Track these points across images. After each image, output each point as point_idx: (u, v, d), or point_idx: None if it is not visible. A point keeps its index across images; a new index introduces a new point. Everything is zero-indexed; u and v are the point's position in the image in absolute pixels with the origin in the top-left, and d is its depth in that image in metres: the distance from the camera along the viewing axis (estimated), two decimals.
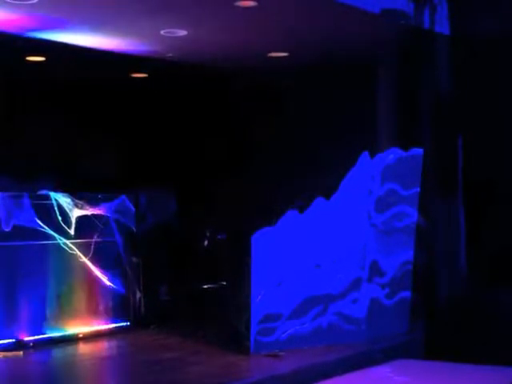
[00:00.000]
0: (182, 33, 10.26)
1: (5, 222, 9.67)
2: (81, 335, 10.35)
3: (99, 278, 10.64)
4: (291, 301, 9.46)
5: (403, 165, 10.27)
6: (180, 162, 12.40)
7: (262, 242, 9.21)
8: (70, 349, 9.95)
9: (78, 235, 10.38)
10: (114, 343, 10.41)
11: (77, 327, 10.36)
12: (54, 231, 10.14)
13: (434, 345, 10.36)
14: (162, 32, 10.20)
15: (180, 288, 11.60)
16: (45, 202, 10.15)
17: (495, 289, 10.88)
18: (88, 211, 10.54)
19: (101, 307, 10.72)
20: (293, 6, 9.47)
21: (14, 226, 9.74)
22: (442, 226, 11.12)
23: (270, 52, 11.42)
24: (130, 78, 12.41)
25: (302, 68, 11.99)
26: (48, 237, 10.10)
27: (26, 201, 9.90)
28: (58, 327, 10.18)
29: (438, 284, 10.97)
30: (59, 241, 10.20)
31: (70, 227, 10.31)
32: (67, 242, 10.26)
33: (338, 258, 9.72)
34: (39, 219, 9.97)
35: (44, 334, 10.00)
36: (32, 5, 8.94)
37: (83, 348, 10.09)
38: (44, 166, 11.00)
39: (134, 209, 11.10)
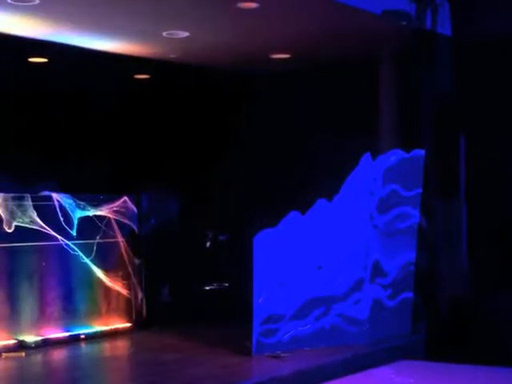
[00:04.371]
0: (184, 34, 10.27)
1: (7, 223, 9.68)
2: (82, 336, 10.35)
3: (101, 279, 10.65)
4: (293, 302, 9.46)
5: (405, 166, 10.28)
6: (182, 162, 12.39)
7: (264, 243, 9.22)
8: (71, 349, 9.96)
9: (80, 236, 10.39)
10: (116, 344, 10.42)
11: (79, 328, 10.37)
12: (56, 232, 10.15)
13: (436, 346, 10.37)
14: (164, 34, 10.21)
15: (182, 289, 11.60)
16: (47, 203, 10.16)
17: (497, 290, 10.88)
18: (90, 212, 10.55)
19: (103, 308, 10.72)
20: (294, 8, 9.47)
21: (16, 227, 9.75)
22: (444, 227, 11.12)
23: (271, 53, 11.43)
24: (132, 80, 12.41)
25: (304, 69, 12.00)
26: (50, 238, 10.11)
27: (28, 202, 9.90)
28: (60, 328, 10.18)
29: (440, 285, 10.97)
30: (61, 242, 10.21)
31: (72, 228, 10.31)
32: (69, 242, 10.27)
33: (340, 259, 9.72)
34: (41, 220, 9.98)
35: (46, 334, 10.01)
36: (33, 6, 8.95)
37: (85, 349, 10.10)
38: (46, 167, 10.99)
39: (136, 210, 11.11)
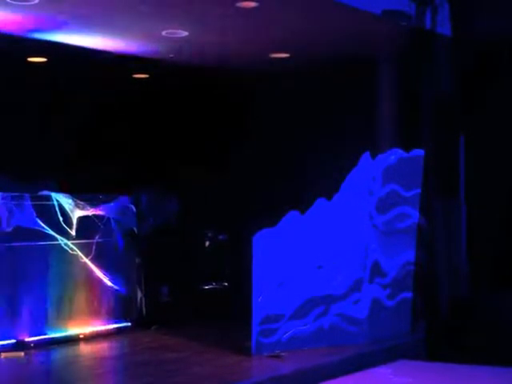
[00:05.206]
0: (184, 34, 10.27)
1: (6, 222, 9.67)
2: (82, 336, 10.35)
3: (100, 279, 10.64)
4: (293, 302, 9.45)
5: (404, 165, 10.28)
6: (181, 162, 12.40)
7: (264, 242, 9.21)
8: (71, 349, 9.95)
9: (79, 236, 10.38)
10: (115, 344, 10.41)
11: (78, 328, 10.37)
12: (55, 232, 10.14)
13: (436, 346, 10.36)
14: (163, 33, 10.21)
15: (181, 288, 11.60)
16: (46, 202, 10.16)
17: (496, 289, 10.88)
18: (89, 212, 10.55)
19: (102, 308, 10.72)
20: (294, 7, 9.47)
21: (16, 227, 9.74)
22: (444, 226, 11.12)
23: (271, 53, 11.42)
24: (131, 79, 12.41)
25: (303, 69, 11.99)
26: (49, 237, 10.10)
27: (27, 201, 9.90)
28: (60, 328, 10.18)
29: (440, 285, 10.97)
30: (60, 241, 10.20)
31: (71, 228, 10.31)
32: (68, 242, 10.27)
33: (340, 258, 9.72)
34: (40, 220, 9.97)
35: (45, 334, 10.00)
36: (33, 6, 8.95)
37: (84, 349, 10.10)
38: (45, 167, 11.00)
39: (135, 209, 11.10)
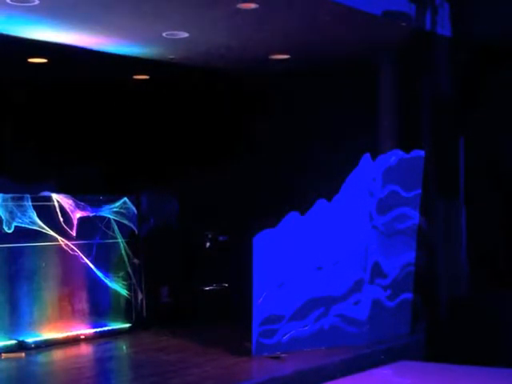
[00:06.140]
0: (184, 35, 10.27)
1: (7, 223, 9.68)
2: (82, 336, 10.36)
3: (101, 280, 10.65)
4: (293, 303, 9.46)
5: (405, 167, 10.28)
6: (181, 163, 12.39)
7: (264, 243, 9.22)
8: (71, 350, 9.96)
9: (79, 237, 10.39)
10: (115, 345, 10.42)
11: (78, 328, 10.37)
12: (56, 233, 10.15)
13: (436, 346, 10.37)
14: (163, 34, 10.21)
15: (181, 290, 11.61)
16: (46, 203, 10.17)
17: (497, 290, 10.88)
18: (90, 213, 10.55)
19: (103, 308, 10.73)
20: (294, 8, 9.47)
21: (16, 228, 9.75)
22: (444, 227, 11.12)
23: (271, 54, 11.43)
24: (131, 80, 12.41)
25: (304, 70, 11.99)
26: (50, 238, 10.10)
27: (28, 202, 9.91)
28: (60, 328, 10.18)
29: (440, 285, 10.97)
30: (61, 242, 10.20)
31: (71, 229, 10.31)
32: (69, 243, 10.27)
33: (340, 259, 9.72)
34: (41, 221, 9.98)
35: (46, 335, 10.01)
36: (33, 6, 8.95)
37: (85, 349, 10.11)
38: (46, 167, 11.01)
39: (135, 210, 11.11)
